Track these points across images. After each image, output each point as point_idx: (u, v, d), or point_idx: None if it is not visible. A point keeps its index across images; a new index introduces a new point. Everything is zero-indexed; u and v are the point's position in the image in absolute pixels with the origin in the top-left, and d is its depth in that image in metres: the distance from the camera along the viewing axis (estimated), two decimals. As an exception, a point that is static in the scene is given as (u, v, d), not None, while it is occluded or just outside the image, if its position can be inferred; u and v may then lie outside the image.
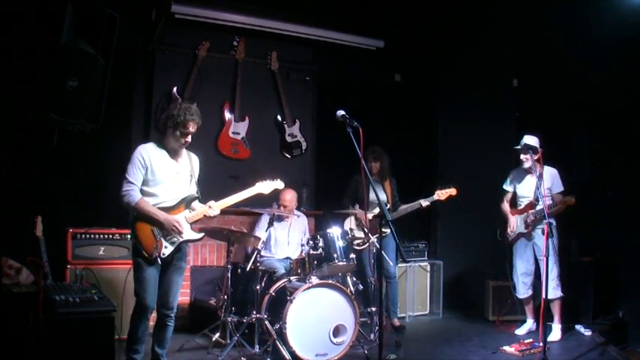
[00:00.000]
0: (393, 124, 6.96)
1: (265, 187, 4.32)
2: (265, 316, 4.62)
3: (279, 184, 4.40)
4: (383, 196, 5.71)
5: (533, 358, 4.70)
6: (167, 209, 3.84)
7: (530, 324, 5.63)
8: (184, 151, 4.03)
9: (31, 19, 4.10)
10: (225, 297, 4.73)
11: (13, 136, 4.77)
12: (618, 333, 5.34)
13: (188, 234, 3.90)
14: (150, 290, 3.74)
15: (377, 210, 5.64)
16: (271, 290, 4.74)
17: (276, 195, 5.57)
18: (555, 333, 5.39)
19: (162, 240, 3.78)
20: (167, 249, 3.80)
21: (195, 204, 4.00)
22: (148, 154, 3.84)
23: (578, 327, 5.62)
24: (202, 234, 4.02)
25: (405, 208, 5.58)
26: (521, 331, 5.58)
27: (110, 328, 3.00)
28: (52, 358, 2.68)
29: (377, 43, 6.55)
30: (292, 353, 4.35)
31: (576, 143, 6.55)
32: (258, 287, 4.65)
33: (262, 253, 5.11)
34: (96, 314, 2.96)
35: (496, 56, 7.03)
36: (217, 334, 4.82)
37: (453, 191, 5.48)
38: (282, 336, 4.40)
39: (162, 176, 3.85)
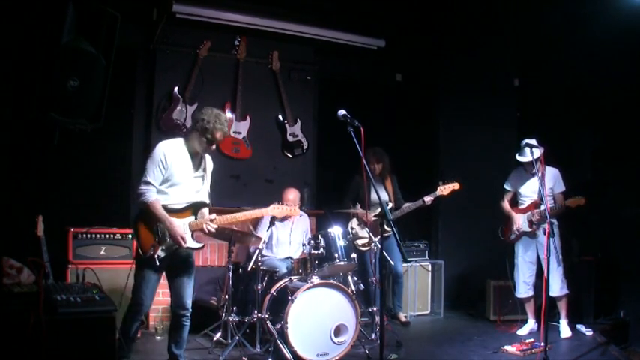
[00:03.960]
0: (394, 124, 6.96)
1: (278, 211, 4.20)
2: (266, 316, 4.61)
3: (296, 211, 4.31)
4: (385, 196, 5.73)
5: (534, 357, 4.70)
6: (175, 211, 3.74)
7: (531, 324, 5.62)
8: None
9: (32, 18, 4.11)
10: (227, 297, 4.72)
11: (13, 136, 4.77)
12: (619, 333, 5.33)
13: (189, 242, 3.77)
14: (146, 291, 3.69)
15: (379, 210, 5.63)
16: (272, 290, 4.73)
17: (279, 195, 5.59)
18: (565, 330, 5.43)
19: (160, 243, 3.70)
20: (163, 252, 3.71)
21: (204, 211, 3.89)
22: (170, 153, 3.71)
23: (579, 326, 5.61)
24: (202, 243, 3.89)
25: (408, 206, 5.57)
26: (522, 331, 5.57)
27: (111, 327, 3.00)
28: (52, 357, 2.68)
29: (378, 42, 6.55)
30: (293, 353, 4.35)
31: (577, 142, 6.54)
32: (259, 287, 4.65)
33: (264, 252, 5.11)
34: (97, 314, 2.96)
35: (497, 55, 7.01)
36: (218, 334, 4.82)
37: (456, 186, 5.40)
38: (283, 335, 4.39)
39: (180, 178, 3.74)
